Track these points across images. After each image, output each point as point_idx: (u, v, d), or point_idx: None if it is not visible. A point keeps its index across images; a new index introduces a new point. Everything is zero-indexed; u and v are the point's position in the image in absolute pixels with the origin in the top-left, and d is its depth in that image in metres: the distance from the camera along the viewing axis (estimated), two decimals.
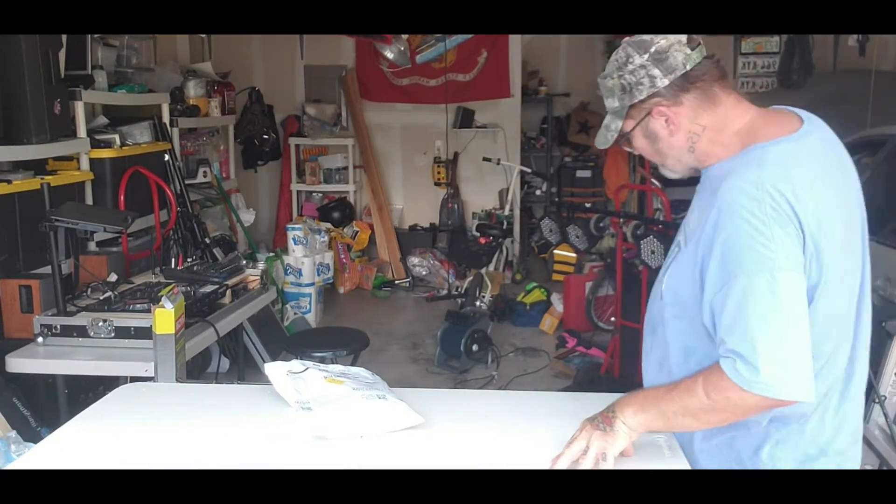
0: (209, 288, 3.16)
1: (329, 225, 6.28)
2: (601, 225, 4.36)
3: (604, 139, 1.52)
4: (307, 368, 1.71)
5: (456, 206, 6.92)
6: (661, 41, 1.44)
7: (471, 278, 5.42)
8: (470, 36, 6.75)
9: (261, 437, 1.56)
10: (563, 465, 1.38)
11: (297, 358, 1.86)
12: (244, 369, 4.01)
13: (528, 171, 7.02)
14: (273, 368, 1.69)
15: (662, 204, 4.52)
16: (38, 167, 3.52)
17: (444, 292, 6.00)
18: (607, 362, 4.40)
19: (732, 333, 1.30)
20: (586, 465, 1.36)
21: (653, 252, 3.99)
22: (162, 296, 2.30)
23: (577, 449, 1.39)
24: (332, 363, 2.12)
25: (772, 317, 1.28)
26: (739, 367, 1.28)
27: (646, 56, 1.44)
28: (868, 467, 2.43)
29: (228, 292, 3.22)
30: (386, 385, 1.71)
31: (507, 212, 6.58)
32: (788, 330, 1.29)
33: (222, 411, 1.69)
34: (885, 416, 2.35)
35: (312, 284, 5.57)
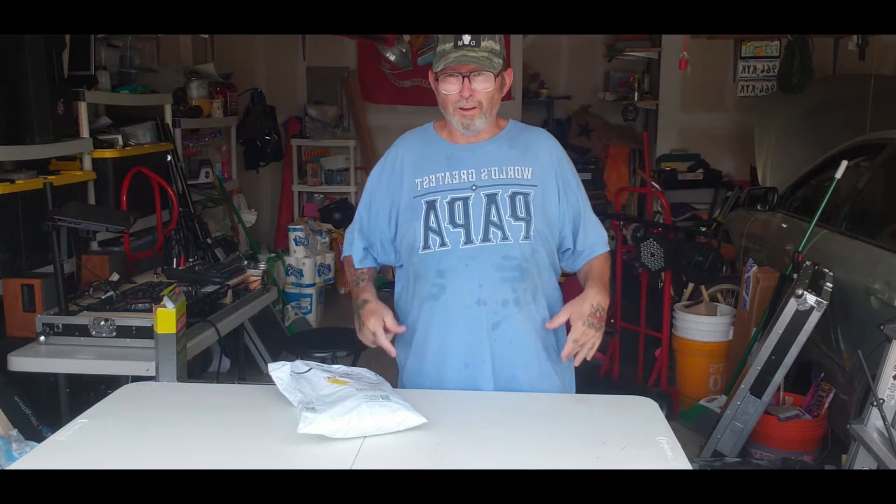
0: (210, 288, 3.17)
1: (330, 226, 6.29)
2: None
3: (492, 65, 1.85)
4: (311, 368, 1.71)
5: None
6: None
7: None
8: None
9: (263, 437, 1.57)
10: (578, 360, 1.86)
11: (297, 358, 1.86)
12: (245, 369, 4.01)
13: None
14: (277, 368, 1.69)
15: (662, 206, 4.53)
16: (40, 167, 3.53)
17: None
18: (606, 364, 4.40)
19: (598, 229, 2.01)
20: (587, 355, 1.85)
21: (652, 255, 4.00)
22: (163, 295, 2.31)
23: (588, 348, 1.84)
24: (333, 363, 2.13)
25: None
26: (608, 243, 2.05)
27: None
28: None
29: (230, 292, 3.23)
30: (389, 386, 1.72)
31: None
32: None
33: (224, 411, 1.70)
34: (884, 419, 2.34)
35: (313, 285, 5.57)
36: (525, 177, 1.91)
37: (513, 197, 1.89)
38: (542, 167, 1.94)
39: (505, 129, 1.98)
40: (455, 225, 1.88)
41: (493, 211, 1.88)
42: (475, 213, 1.88)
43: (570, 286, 2.06)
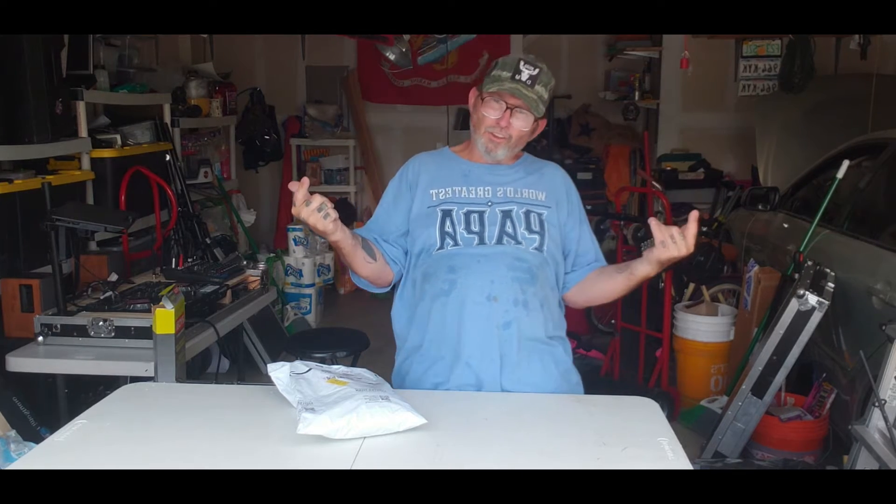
0: (209, 288, 3.16)
1: None
2: (602, 227, 4.36)
3: (537, 109, 1.92)
4: (310, 369, 1.71)
5: None
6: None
7: None
8: (472, 37, 6.75)
9: (262, 437, 1.56)
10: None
11: (297, 358, 1.86)
12: (244, 370, 4.01)
13: None
14: (276, 369, 1.69)
15: (663, 206, 4.52)
16: (39, 167, 3.52)
17: None
18: (607, 364, 4.40)
19: (597, 250, 2.09)
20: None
21: None
22: (162, 296, 2.31)
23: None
24: (333, 364, 2.12)
25: None
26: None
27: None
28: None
29: (229, 292, 3.22)
30: (389, 386, 1.72)
31: None
32: None
33: (224, 412, 1.69)
34: (885, 419, 2.34)
35: (313, 285, 5.57)
36: (539, 199, 1.98)
37: (527, 213, 1.94)
38: (555, 194, 2.01)
39: (521, 159, 2.05)
40: (470, 231, 1.91)
41: (508, 224, 1.93)
42: (490, 224, 1.92)
43: (569, 311, 2.08)
